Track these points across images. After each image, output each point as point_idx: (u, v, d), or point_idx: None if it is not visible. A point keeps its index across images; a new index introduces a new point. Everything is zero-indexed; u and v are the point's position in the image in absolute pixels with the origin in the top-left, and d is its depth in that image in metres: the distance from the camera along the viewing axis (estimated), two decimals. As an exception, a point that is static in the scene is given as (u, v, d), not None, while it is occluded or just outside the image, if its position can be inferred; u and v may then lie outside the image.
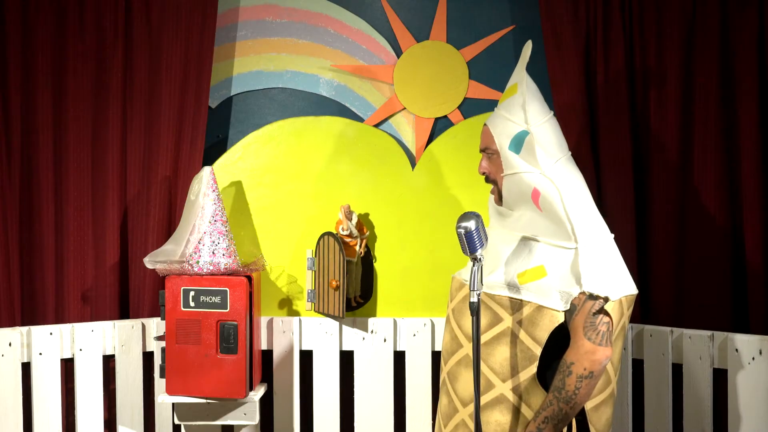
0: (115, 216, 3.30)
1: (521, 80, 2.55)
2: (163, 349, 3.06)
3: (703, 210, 3.11)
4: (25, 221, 3.21)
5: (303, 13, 3.42)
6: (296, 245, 3.35)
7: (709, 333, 2.92)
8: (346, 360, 3.37)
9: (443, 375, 2.57)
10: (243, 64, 3.43)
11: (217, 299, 3.01)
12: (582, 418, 2.44)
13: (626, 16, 3.21)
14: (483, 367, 2.42)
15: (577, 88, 3.22)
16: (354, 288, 3.31)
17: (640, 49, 3.20)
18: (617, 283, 2.38)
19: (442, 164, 3.35)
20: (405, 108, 3.41)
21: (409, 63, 3.39)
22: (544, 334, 2.36)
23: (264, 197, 3.37)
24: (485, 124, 2.61)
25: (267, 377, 3.34)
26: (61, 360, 3.17)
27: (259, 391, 3.13)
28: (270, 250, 3.35)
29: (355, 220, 3.25)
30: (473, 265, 2.27)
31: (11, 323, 3.15)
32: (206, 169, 3.12)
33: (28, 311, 3.23)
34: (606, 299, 2.33)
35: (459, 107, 3.39)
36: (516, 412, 2.39)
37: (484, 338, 2.43)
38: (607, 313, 2.34)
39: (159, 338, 3.21)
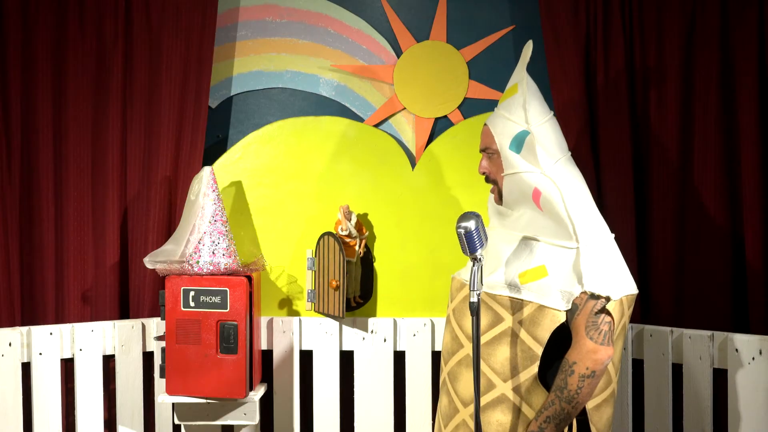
0: (115, 216, 3.30)
1: (522, 80, 2.55)
2: (163, 349, 3.06)
3: (703, 210, 3.11)
4: (25, 221, 3.21)
5: (303, 13, 3.42)
6: (296, 245, 3.35)
7: (709, 333, 2.92)
8: (346, 360, 3.37)
9: (443, 375, 2.57)
10: (243, 64, 3.43)
11: (217, 299, 3.01)
12: (583, 417, 2.44)
13: (626, 16, 3.21)
14: (484, 367, 2.42)
15: (577, 87, 3.22)
16: (353, 288, 3.31)
17: (640, 49, 3.20)
18: (618, 283, 2.38)
19: (442, 164, 3.35)
20: (405, 108, 3.41)
21: (409, 63, 3.40)
22: (545, 334, 2.36)
23: (264, 197, 3.37)
24: (485, 124, 2.61)
25: (267, 377, 3.34)
26: (61, 360, 3.17)
27: (259, 391, 3.13)
28: (270, 250, 3.35)
29: (354, 220, 3.25)
30: (473, 265, 2.27)
31: (11, 323, 3.15)
32: (206, 169, 3.12)
33: (28, 311, 3.23)
34: (608, 299, 2.33)
35: (459, 107, 3.39)
36: (517, 411, 2.39)
37: (485, 338, 2.43)
38: (608, 313, 2.34)
39: (159, 338, 3.21)
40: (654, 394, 3.06)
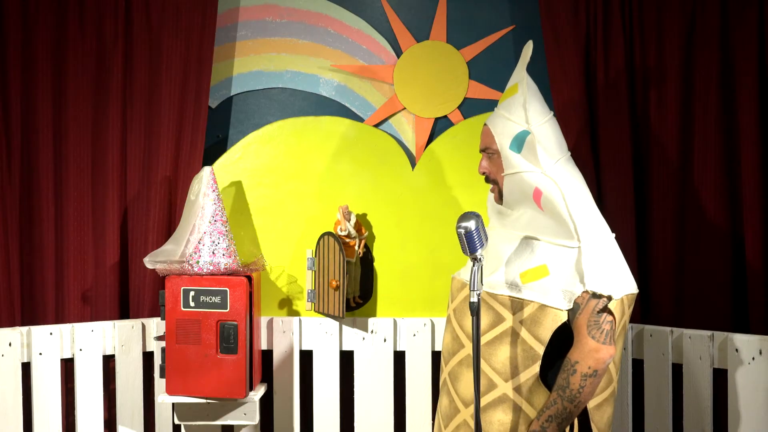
0: (115, 216, 3.30)
1: (521, 80, 2.55)
2: (163, 349, 3.06)
3: (703, 210, 3.11)
4: (25, 221, 3.21)
5: (303, 13, 3.42)
6: (296, 245, 3.35)
7: (709, 333, 2.92)
8: (346, 360, 3.37)
9: (444, 375, 2.57)
10: (243, 64, 3.43)
11: (217, 299, 3.01)
12: (583, 417, 2.44)
13: (626, 16, 3.21)
14: (485, 366, 2.42)
15: (577, 87, 3.22)
16: (353, 288, 3.31)
17: (640, 48, 3.20)
18: (620, 282, 2.39)
19: (442, 164, 3.35)
20: (405, 108, 3.41)
21: (409, 63, 3.40)
22: (547, 334, 2.36)
23: (264, 197, 3.37)
24: (485, 124, 2.61)
25: (267, 377, 3.34)
26: (61, 360, 3.17)
27: (259, 391, 3.13)
28: (270, 250, 3.35)
29: (353, 220, 3.25)
30: (473, 265, 2.27)
31: (11, 323, 3.15)
32: (206, 169, 3.12)
33: (28, 311, 3.23)
34: (609, 298, 2.34)
35: (459, 107, 3.39)
36: (519, 411, 2.39)
37: (486, 338, 2.43)
38: (610, 312, 2.35)
39: (159, 338, 3.21)
40: (654, 394, 3.06)
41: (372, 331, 3.32)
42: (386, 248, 3.35)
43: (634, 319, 3.13)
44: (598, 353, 2.32)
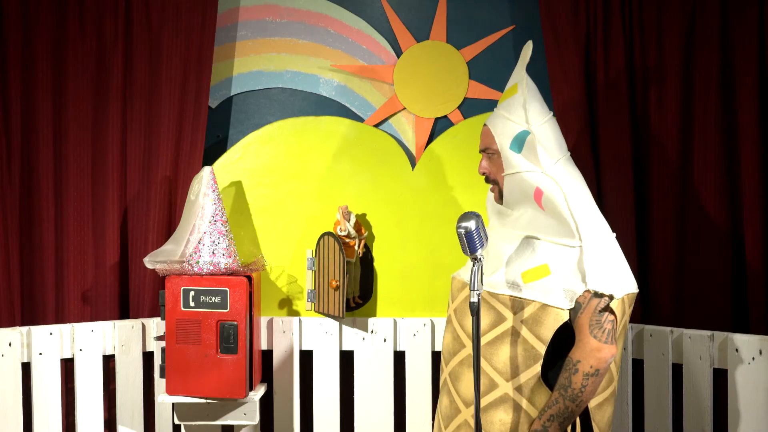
0: (115, 216, 3.30)
1: (521, 80, 2.56)
2: (163, 349, 3.06)
3: (703, 210, 3.11)
4: (25, 221, 3.21)
5: (303, 13, 3.42)
6: (296, 245, 3.35)
7: (709, 333, 2.92)
8: (346, 360, 3.37)
9: (444, 376, 2.57)
10: (243, 64, 3.43)
11: (217, 299, 3.01)
12: (584, 416, 2.45)
13: (626, 16, 3.21)
14: (486, 366, 2.42)
15: (577, 87, 3.22)
16: (352, 289, 3.31)
17: (640, 48, 3.20)
18: (621, 281, 2.39)
19: (442, 164, 3.35)
20: (405, 108, 3.41)
21: (409, 63, 3.40)
22: (548, 333, 2.36)
23: (264, 197, 3.37)
24: (485, 125, 2.61)
25: (267, 377, 3.34)
26: (61, 360, 3.17)
27: (259, 391, 3.13)
28: (270, 250, 3.35)
29: (353, 220, 3.25)
30: (473, 265, 2.27)
31: (11, 323, 3.15)
32: (206, 169, 3.12)
33: (28, 311, 3.23)
34: (611, 297, 2.34)
35: (459, 107, 3.39)
36: (520, 411, 2.39)
37: (487, 338, 2.43)
38: (612, 311, 2.35)
39: (159, 338, 3.21)
40: (654, 394, 3.06)
41: (372, 331, 3.32)
42: (386, 248, 3.35)
43: (634, 319, 3.13)
44: (600, 352, 2.32)
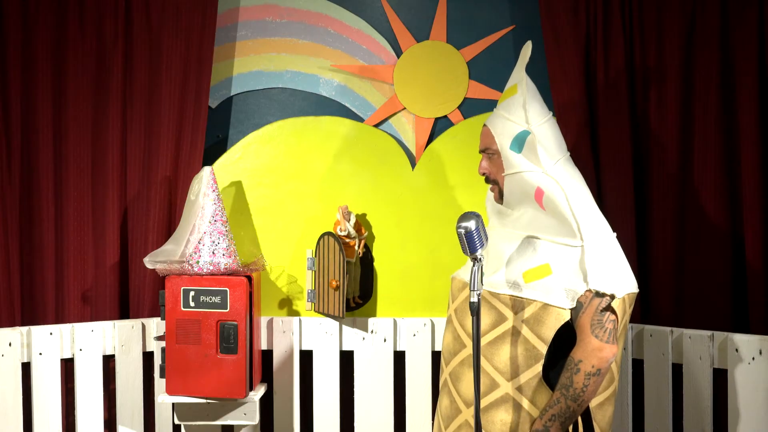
0: (115, 216, 3.30)
1: (521, 80, 2.56)
2: (163, 349, 3.06)
3: (703, 210, 3.11)
4: (25, 221, 3.21)
5: (303, 13, 3.42)
6: (296, 245, 3.35)
7: (709, 333, 2.92)
8: (346, 360, 3.37)
9: (444, 376, 2.57)
10: (243, 64, 3.43)
11: (217, 299, 3.01)
12: (585, 416, 2.45)
13: (626, 16, 3.21)
14: (487, 366, 2.42)
15: (577, 87, 3.22)
16: (352, 289, 3.31)
17: (640, 48, 3.20)
18: (622, 281, 2.39)
19: (442, 164, 3.35)
20: (405, 108, 3.41)
21: (409, 63, 3.40)
22: (550, 333, 2.36)
23: (264, 197, 3.37)
24: (485, 125, 2.61)
25: (267, 377, 3.34)
26: (61, 360, 3.17)
27: (259, 391, 3.13)
28: (270, 250, 3.35)
29: (353, 220, 3.25)
30: (473, 265, 2.27)
31: (11, 323, 3.15)
32: (206, 169, 3.12)
33: (28, 311, 3.23)
34: (612, 297, 2.34)
35: (459, 107, 3.39)
36: (521, 410, 2.39)
37: (488, 337, 2.43)
38: (613, 311, 2.36)
39: (159, 338, 3.21)
40: (654, 394, 3.06)
41: (372, 331, 3.32)
42: (386, 248, 3.35)
43: (634, 319, 3.13)
44: (602, 352, 2.33)
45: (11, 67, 3.17)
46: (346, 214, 3.23)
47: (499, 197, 2.59)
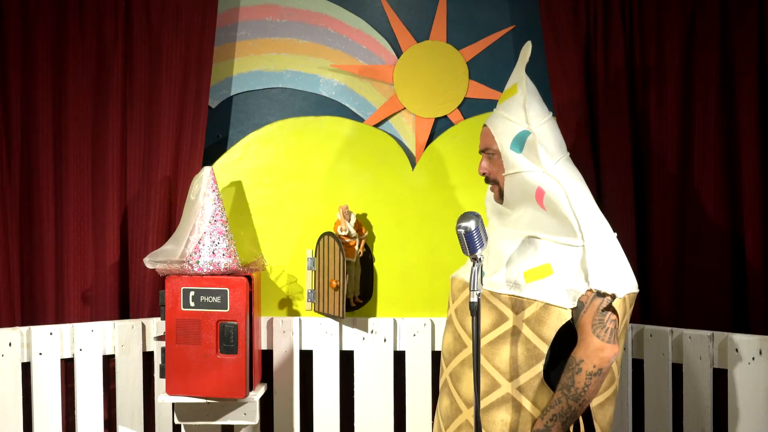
0: (115, 216, 3.30)
1: (521, 80, 2.56)
2: (163, 349, 3.06)
3: (703, 210, 3.11)
4: (25, 221, 3.21)
5: (303, 13, 3.42)
6: (296, 245, 3.35)
7: (709, 333, 2.92)
8: (346, 360, 3.37)
9: (444, 376, 2.57)
10: (243, 64, 3.43)
11: (217, 299, 3.01)
12: (586, 416, 2.45)
13: (626, 16, 3.21)
14: (488, 366, 2.42)
15: (577, 87, 3.22)
16: (353, 288, 3.31)
17: (640, 48, 3.20)
18: (623, 281, 2.39)
19: (442, 164, 3.35)
20: (405, 108, 3.41)
21: (409, 63, 3.40)
22: (551, 333, 2.36)
23: (264, 197, 3.37)
24: (485, 125, 2.61)
25: (267, 377, 3.34)
26: (61, 360, 3.17)
27: (259, 391, 3.13)
28: (270, 250, 3.35)
29: (353, 220, 3.25)
30: (473, 265, 2.27)
31: (11, 323, 3.15)
32: (206, 169, 3.12)
33: (28, 311, 3.23)
34: (613, 296, 2.35)
35: (459, 107, 3.39)
36: (522, 411, 2.39)
37: (489, 337, 2.43)
38: (614, 311, 2.36)
39: (159, 338, 3.21)
40: (654, 394, 3.06)
41: (372, 331, 3.32)
42: (386, 248, 3.35)
43: (634, 319, 3.13)
44: (603, 352, 2.33)
45: (11, 67, 3.17)
46: (347, 214, 3.23)
47: (499, 197, 2.59)
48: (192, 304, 3.01)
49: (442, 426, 2.56)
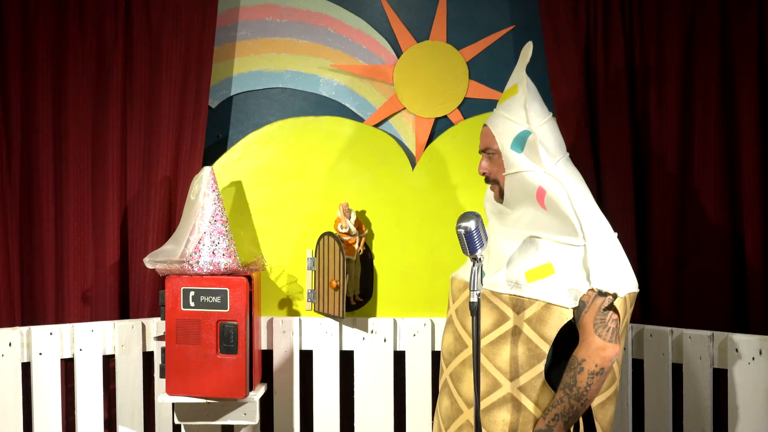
0: (115, 216, 3.30)
1: (521, 81, 2.56)
2: (163, 349, 3.06)
3: (703, 210, 3.11)
4: (25, 221, 3.21)
5: (303, 13, 3.42)
6: (296, 245, 3.35)
7: (709, 333, 2.92)
8: (346, 360, 3.37)
9: (444, 377, 2.57)
10: (243, 64, 3.43)
11: (217, 299, 3.01)
12: (587, 415, 2.45)
13: (626, 16, 3.21)
14: (489, 366, 2.42)
15: (577, 87, 3.22)
16: (353, 287, 3.31)
17: (640, 48, 3.20)
18: (624, 280, 2.40)
19: (442, 164, 3.35)
20: (405, 108, 3.41)
21: (409, 63, 3.40)
22: (552, 332, 2.37)
23: (264, 197, 3.37)
24: (485, 125, 2.61)
25: (267, 377, 3.34)
26: (61, 360, 3.17)
27: (259, 391, 3.13)
28: (270, 250, 3.35)
29: (353, 218, 3.25)
30: (473, 265, 2.27)
31: (11, 323, 3.15)
32: (206, 169, 3.12)
33: (28, 311, 3.23)
34: (615, 296, 2.35)
35: (459, 107, 3.39)
36: (524, 410, 2.40)
37: (490, 337, 2.43)
38: (615, 310, 2.36)
39: (159, 338, 3.21)
40: (654, 394, 3.06)
41: (372, 331, 3.32)
42: (386, 248, 3.35)
43: (634, 319, 3.13)
44: (605, 351, 2.33)
45: (11, 67, 3.17)
46: (347, 212, 3.23)
47: (500, 197, 2.59)
48: (192, 304, 3.01)
49: (442, 426, 2.56)
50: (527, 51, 2.60)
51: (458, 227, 2.27)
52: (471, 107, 3.39)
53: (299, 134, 3.38)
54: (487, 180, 2.62)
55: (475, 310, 2.24)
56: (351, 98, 3.43)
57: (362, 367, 3.32)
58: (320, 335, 3.33)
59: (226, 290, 3.01)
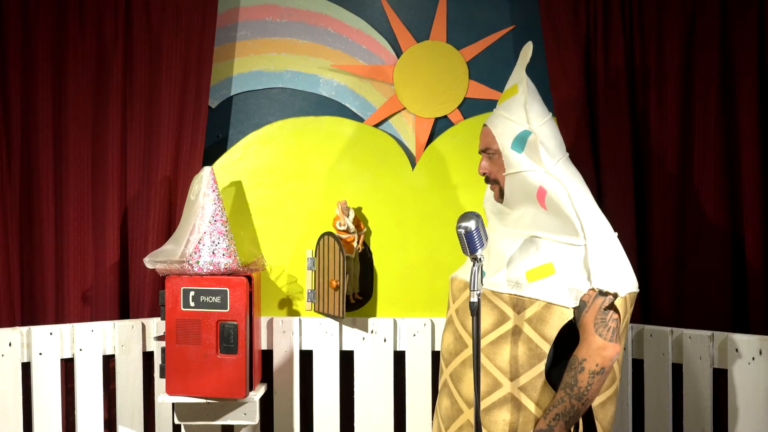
0: (115, 216, 3.30)
1: (521, 81, 2.56)
2: (163, 349, 3.06)
3: (703, 210, 3.11)
4: (25, 221, 3.21)
5: (303, 13, 3.42)
6: (296, 245, 3.35)
7: (709, 333, 2.92)
8: (346, 360, 3.37)
9: (444, 377, 2.57)
10: (243, 64, 3.43)
11: (217, 299, 3.01)
12: (587, 415, 2.45)
13: (626, 16, 3.21)
14: (490, 366, 2.42)
15: (577, 87, 3.22)
16: (352, 285, 3.31)
17: (640, 48, 3.21)
18: (624, 280, 2.40)
19: (442, 164, 3.35)
20: (405, 108, 3.41)
21: (409, 63, 3.40)
22: (553, 332, 2.37)
23: (264, 197, 3.37)
24: (485, 125, 2.61)
25: (267, 377, 3.34)
26: (61, 360, 3.17)
27: (259, 391, 3.13)
28: (270, 250, 3.35)
29: (352, 215, 3.25)
30: (473, 265, 2.27)
31: (11, 323, 3.15)
32: (206, 169, 3.12)
33: (28, 311, 3.22)
34: (615, 295, 2.35)
35: (459, 107, 3.39)
36: (524, 410, 2.40)
37: (490, 337, 2.43)
38: (616, 310, 2.36)
39: (159, 338, 3.21)
40: (654, 394, 3.06)
41: (372, 331, 3.32)
42: (386, 248, 3.35)
43: (634, 319, 3.13)
44: (606, 351, 2.34)
45: (11, 67, 3.17)
46: (345, 209, 3.24)
47: (500, 197, 2.59)
48: (192, 304, 3.01)
49: (442, 426, 2.56)
50: (527, 51, 2.60)
51: (458, 227, 2.27)
52: (471, 107, 3.39)
53: (299, 134, 3.38)
54: (487, 180, 2.62)
55: (475, 310, 2.24)
56: (351, 98, 3.43)
57: (362, 367, 3.32)
58: (320, 335, 3.33)
59: (226, 290, 3.01)
